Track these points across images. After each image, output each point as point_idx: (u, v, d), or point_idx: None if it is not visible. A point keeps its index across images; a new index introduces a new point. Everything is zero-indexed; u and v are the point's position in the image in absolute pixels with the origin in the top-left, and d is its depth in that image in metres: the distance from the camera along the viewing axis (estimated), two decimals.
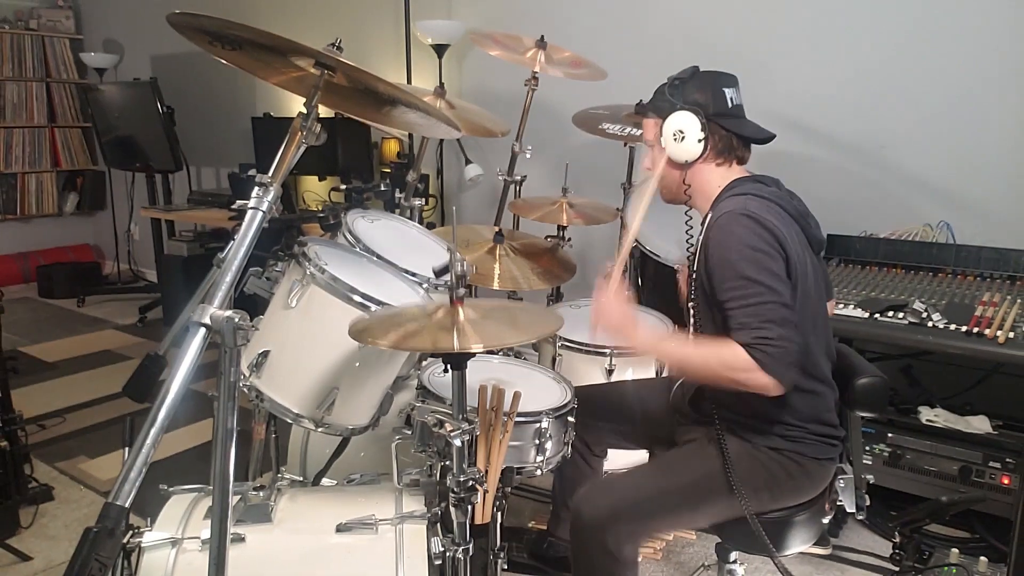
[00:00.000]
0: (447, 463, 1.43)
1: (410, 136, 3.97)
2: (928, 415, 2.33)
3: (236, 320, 1.07)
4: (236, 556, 1.35)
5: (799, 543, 1.57)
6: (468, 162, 3.76)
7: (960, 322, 2.02)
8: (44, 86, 5.57)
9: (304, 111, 1.27)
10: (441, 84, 3.03)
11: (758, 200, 1.49)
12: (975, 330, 1.97)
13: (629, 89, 2.75)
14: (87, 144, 5.84)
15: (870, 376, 1.57)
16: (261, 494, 1.50)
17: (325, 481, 1.92)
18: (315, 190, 4.46)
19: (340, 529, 1.45)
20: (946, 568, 2.01)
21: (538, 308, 1.58)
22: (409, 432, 1.62)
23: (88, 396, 3.43)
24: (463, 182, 3.86)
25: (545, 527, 2.18)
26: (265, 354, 1.56)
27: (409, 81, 3.89)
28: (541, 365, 2.00)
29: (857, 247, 2.61)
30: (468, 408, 1.41)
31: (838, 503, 1.62)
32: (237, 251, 1.15)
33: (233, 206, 1.26)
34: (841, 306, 2.17)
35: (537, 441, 1.62)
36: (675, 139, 1.56)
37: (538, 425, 1.61)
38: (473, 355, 1.37)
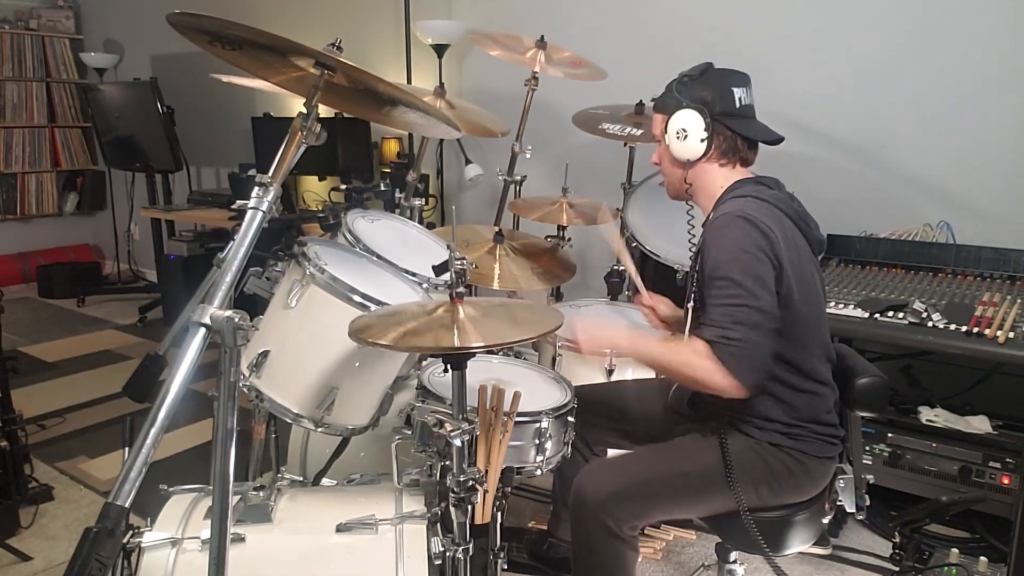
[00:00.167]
0: (447, 463, 1.44)
1: (410, 136, 3.98)
2: (928, 415, 2.33)
3: (236, 320, 1.07)
4: (236, 556, 1.35)
5: (799, 543, 1.57)
6: (468, 162, 3.76)
7: (960, 322, 2.02)
8: (44, 86, 5.57)
9: (304, 111, 1.27)
10: (441, 84, 3.03)
11: (758, 203, 1.49)
12: (975, 330, 1.97)
13: (629, 89, 2.76)
14: (87, 144, 5.84)
15: (870, 376, 1.57)
16: (261, 494, 1.50)
17: (325, 481, 1.92)
18: (315, 190, 4.46)
19: (340, 529, 1.45)
20: (946, 568, 2.01)
21: (538, 306, 1.58)
22: (409, 432, 1.62)
23: (88, 396, 3.43)
24: (463, 182, 3.86)
25: (545, 527, 2.18)
26: (265, 354, 1.56)
27: (409, 81, 3.89)
28: (541, 365, 2.00)
29: (857, 247, 2.61)
30: (468, 408, 1.41)
31: (838, 503, 1.62)
32: (237, 251, 1.15)
33: (233, 206, 1.26)
34: (841, 306, 2.17)
35: (537, 441, 1.62)
36: (678, 137, 1.55)
37: (538, 425, 1.61)
38: (473, 354, 1.37)
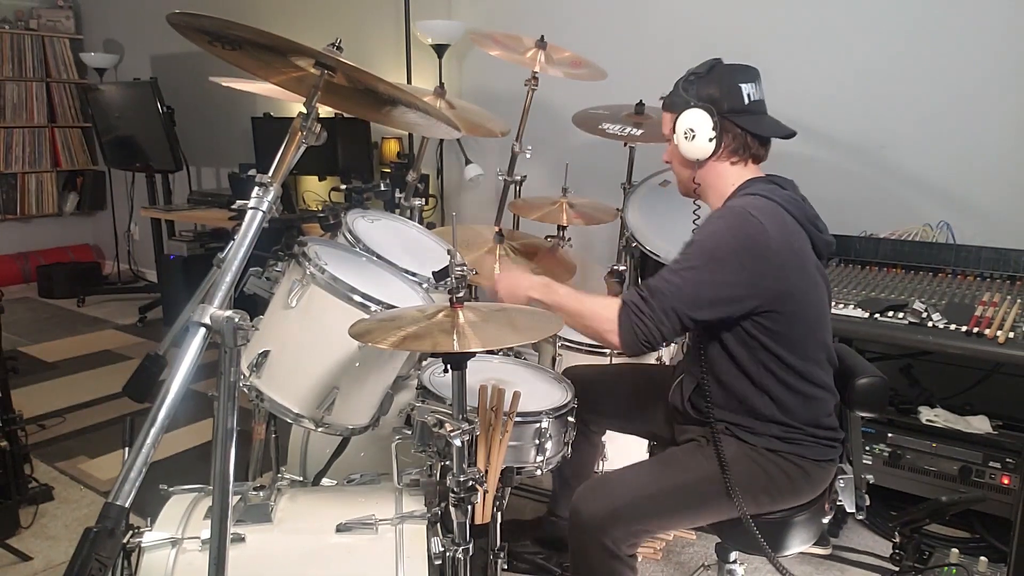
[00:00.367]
0: (447, 463, 1.43)
1: (410, 136, 3.98)
2: (928, 415, 2.33)
3: (236, 320, 1.07)
4: (236, 556, 1.35)
5: (799, 543, 1.57)
6: (468, 162, 3.76)
7: (960, 322, 2.02)
8: (44, 86, 5.57)
9: (304, 111, 1.27)
10: (441, 84, 3.03)
11: (765, 202, 1.48)
12: (975, 330, 1.97)
13: (629, 89, 2.75)
14: (87, 144, 5.84)
15: (870, 376, 1.57)
16: (261, 494, 1.50)
17: (325, 481, 1.92)
18: (315, 190, 4.46)
19: (340, 529, 1.45)
20: (946, 568, 2.02)
21: (537, 310, 1.58)
22: (409, 432, 1.62)
23: (88, 396, 3.43)
24: (463, 182, 3.86)
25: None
26: (265, 354, 1.56)
27: (409, 81, 3.89)
28: (541, 365, 2.00)
29: (857, 247, 2.61)
30: (468, 408, 1.41)
31: (838, 503, 1.62)
32: (237, 251, 1.15)
33: (233, 206, 1.26)
34: (841, 306, 2.17)
35: (537, 441, 1.62)
36: (686, 137, 1.54)
37: (538, 425, 1.61)
38: (473, 355, 1.37)
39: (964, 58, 2.57)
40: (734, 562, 1.75)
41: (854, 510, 1.63)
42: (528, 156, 2.93)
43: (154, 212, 4.70)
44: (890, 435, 2.31)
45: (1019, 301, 2.14)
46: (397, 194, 2.57)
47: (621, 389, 1.87)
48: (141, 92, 4.63)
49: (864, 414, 1.64)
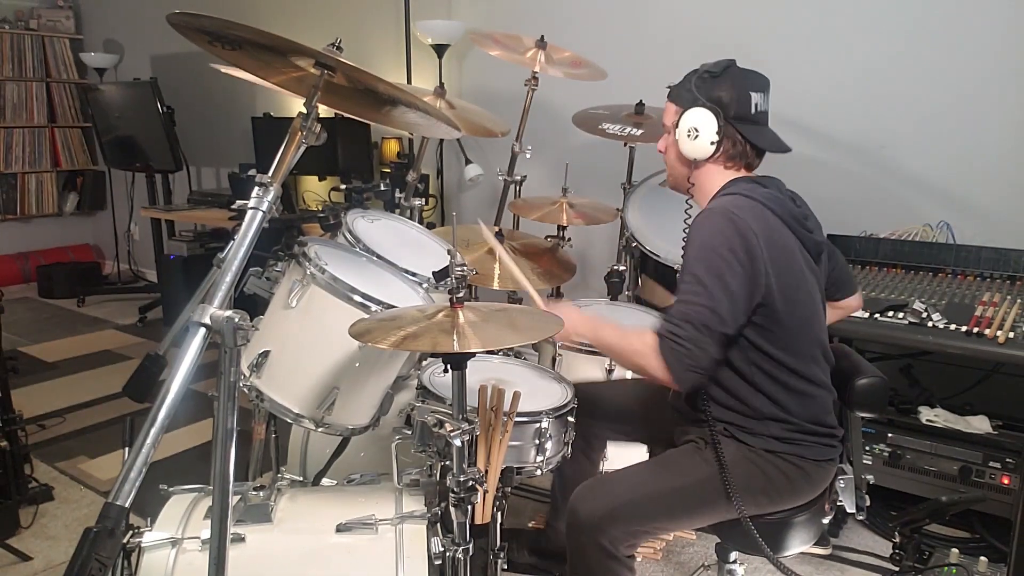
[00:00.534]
0: (447, 463, 1.43)
1: (410, 136, 3.97)
2: (928, 415, 2.33)
3: (236, 320, 1.07)
4: (236, 556, 1.35)
5: (799, 543, 1.57)
6: (468, 162, 3.76)
7: (960, 322, 2.02)
8: (44, 86, 5.57)
9: (304, 111, 1.27)
10: (441, 84, 3.03)
11: (745, 200, 1.48)
12: (975, 330, 1.97)
13: (629, 89, 2.76)
14: (87, 144, 5.84)
15: (870, 376, 1.56)
16: (261, 494, 1.50)
17: (325, 481, 1.92)
18: (315, 190, 4.46)
19: (340, 529, 1.45)
20: (946, 568, 2.02)
21: (537, 311, 1.58)
22: (409, 432, 1.62)
23: (88, 396, 3.43)
24: (463, 182, 3.86)
25: (543, 526, 2.18)
26: (265, 354, 1.56)
27: (409, 81, 3.89)
28: (541, 365, 2.00)
29: (857, 247, 2.61)
30: (468, 408, 1.41)
31: (838, 503, 1.62)
32: (237, 251, 1.15)
33: (233, 206, 1.26)
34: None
35: (537, 441, 1.62)
36: (689, 135, 1.53)
37: (538, 425, 1.61)
38: (473, 355, 1.37)
39: (964, 58, 2.57)
40: (734, 562, 1.75)
41: (854, 510, 1.63)
42: (528, 156, 2.94)
43: (154, 212, 4.70)
44: (890, 435, 2.31)
45: (1019, 301, 2.14)
46: (397, 194, 2.57)
47: (620, 399, 1.87)
48: (141, 92, 4.63)
49: (864, 414, 1.64)
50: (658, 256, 2.45)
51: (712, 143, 1.52)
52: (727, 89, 1.51)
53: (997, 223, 2.56)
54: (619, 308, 2.47)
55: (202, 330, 1.07)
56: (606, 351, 1.60)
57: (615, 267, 2.62)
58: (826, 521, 1.61)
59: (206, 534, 1.39)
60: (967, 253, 2.46)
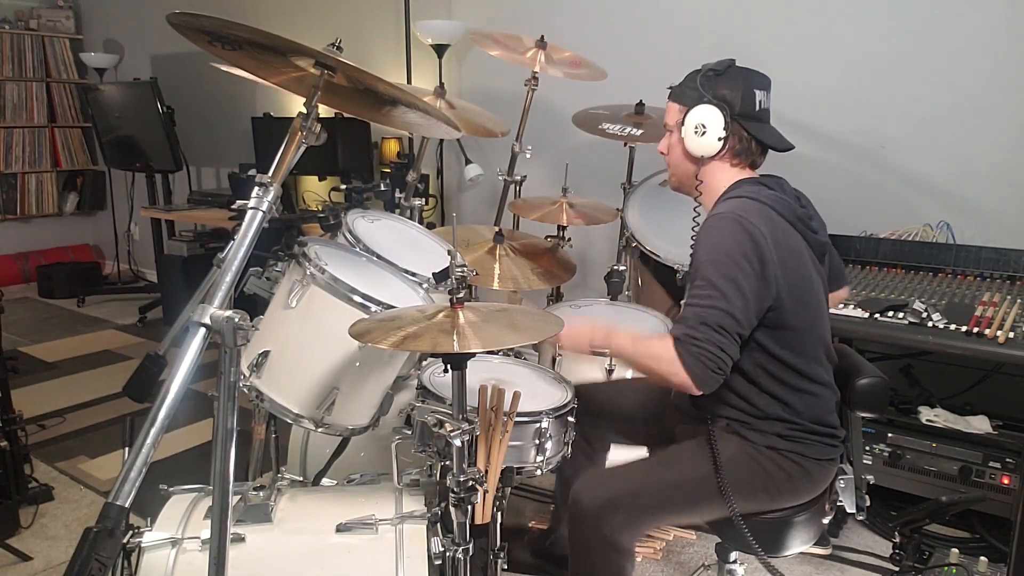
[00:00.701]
0: (447, 463, 1.43)
1: (410, 136, 3.97)
2: (928, 415, 2.33)
3: (236, 320, 1.07)
4: (236, 556, 1.35)
5: (799, 543, 1.57)
6: (468, 162, 3.76)
7: (960, 322, 2.02)
8: (44, 86, 5.57)
9: (304, 111, 1.27)
10: (441, 84, 3.04)
11: (751, 203, 1.49)
12: (975, 330, 1.97)
13: (629, 89, 2.76)
14: (87, 144, 5.84)
15: (870, 376, 1.57)
16: (261, 494, 1.50)
17: (325, 481, 1.92)
18: (315, 190, 4.46)
19: (340, 529, 1.45)
20: (946, 568, 2.02)
21: (538, 311, 1.58)
22: (409, 432, 1.62)
23: (88, 396, 3.43)
24: (463, 182, 3.86)
25: (545, 527, 2.18)
26: (265, 354, 1.56)
27: (409, 81, 3.89)
28: (541, 365, 2.00)
29: (857, 247, 2.61)
30: (468, 408, 1.41)
31: (838, 503, 1.62)
32: (237, 251, 1.15)
33: (233, 206, 1.26)
34: (841, 306, 2.17)
35: (537, 441, 1.62)
36: (696, 132, 1.54)
37: (538, 425, 1.61)
38: (473, 355, 1.37)
39: (964, 58, 2.57)
40: (734, 562, 1.75)
41: (854, 510, 1.63)
42: (528, 156, 2.94)
43: (154, 212, 4.70)
44: (890, 435, 2.31)
45: (1019, 301, 2.14)
46: (397, 194, 2.57)
47: (622, 402, 1.87)
48: (141, 92, 4.63)
49: (864, 414, 1.64)
50: (658, 256, 2.45)
51: (720, 139, 1.53)
52: (732, 86, 1.52)
53: (997, 223, 2.56)
54: (619, 308, 2.47)
55: (202, 330, 1.07)
56: (622, 358, 1.60)
57: (615, 267, 2.62)
58: (826, 521, 1.61)
59: (206, 534, 1.39)
60: (967, 253, 2.46)
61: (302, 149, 1.26)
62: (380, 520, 1.46)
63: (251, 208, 1.19)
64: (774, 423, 1.52)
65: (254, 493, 1.50)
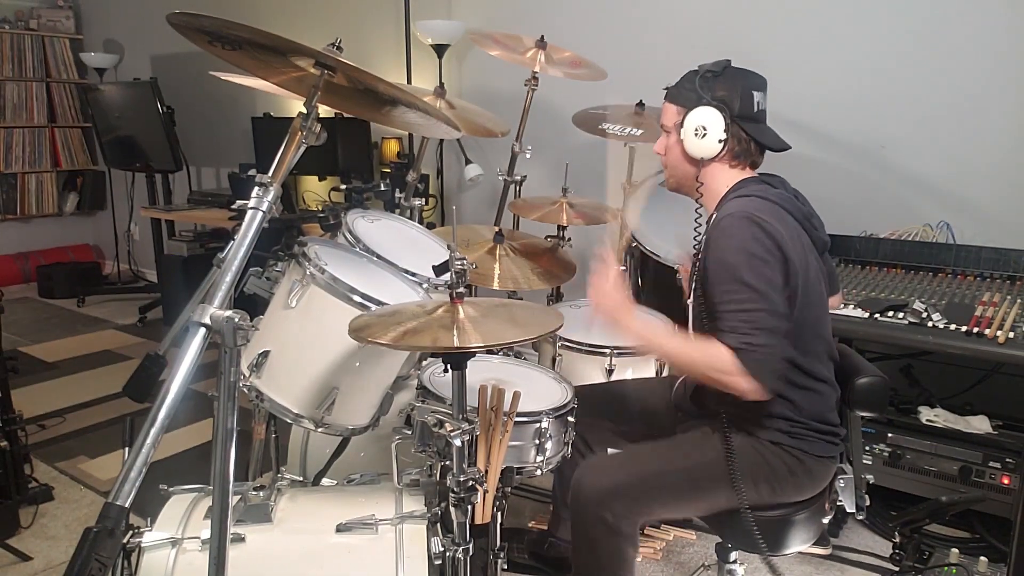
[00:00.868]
0: (447, 463, 1.43)
1: (410, 136, 3.98)
2: (928, 415, 2.33)
3: (236, 320, 1.07)
4: (236, 556, 1.35)
5: (799, 543, 1.57)
6: (468, 162, 3.76)
7: (960, 322, 2.02)
8: (44, 86, 5.57)
9: (304, 111, 1.27)
10: (441, 84, 3.03)
11: (762, 202, 1.49)
12: (975, 330, 1.97)
13: (629, 89, 2.75)
14: (87, 144, 5.84)
15: (871, 376, 1.57)
16: (261, 494, 1.50)
17: (325, 481, 1.92)
18: (315, 190, 4.46)
19: (340, 529, 1.45)
20: (946, 568, 2.02)
21: (538, 306, 1.58)
22: (409, 432, 1.62)
23: (88, 396, 3.43)
24: (463, 182, 3.86)
25: (545, 527, 2.18)
26: (265, 354, 1.56)
27: (409, 81, 3.89)
28: (541, 365, 2.00)
29: (857, 247, 2.61)
30: (468, 408, 1.41)
31: (838, 503, 1.62)
32: (237, 251, 1.15)
33: (233, 206, 1.26)
34: (841, 306, 2.17)
35: (537, 441, 1.62)
36: (696, 134, 1.54)
37: (538, 425, 1.61)
38: (473, 354, 1.37)
39: (964, 58, 2.57)
40: (734, 562, 1.75)
41: (854, 510, 1.64)
42: (528, 156, 2.93)
43: (154, 212, 4.70)
44: (890, 435, 2.31)
45: (1019, 301, 2.14)
46: (397, 194, 2.57)
47: (622, 405, 1.87)
48: (141, 92, 4.63)
49: (864, 414, 1.64)
50: (658, 256, 2.45)
51: (720, 141, 1.53)
52: (730, 88, 1.53)
53: (997, 223, 2.56)
54: None
55: (202, 330, 1.07)
56: (672, 362, 1.57)
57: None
58: (826, 521, 1.61)
59: (206, 534, 1.39)
60: (967, 253, 2.46)
61: (302, 149, 1.26)
62: (380, 520, 1.46)
63: (251, 208, 1.19)
64: (777, 420, 1.53)
65: (254, 493, 1.49)
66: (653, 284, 2.57)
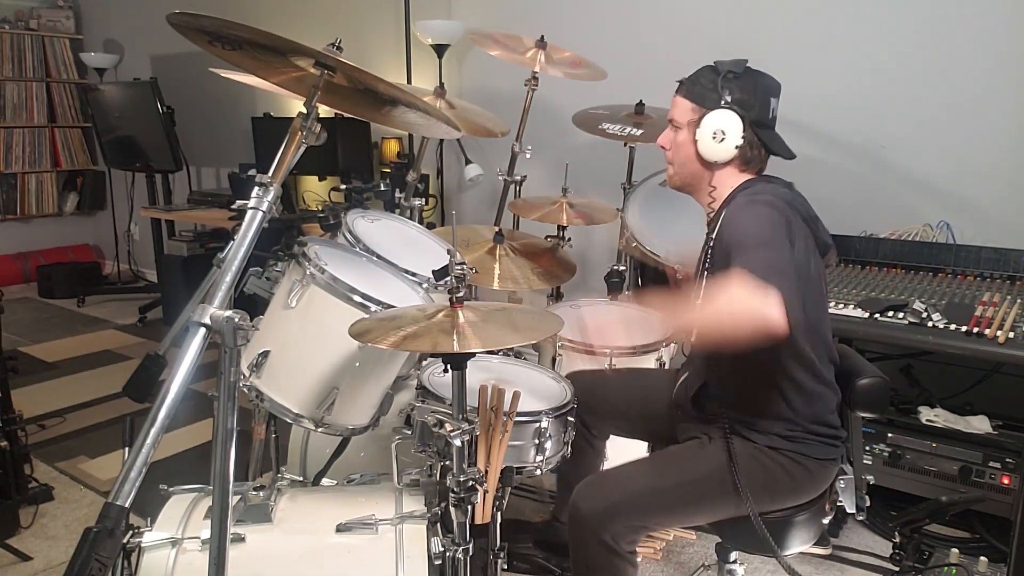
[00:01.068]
0: (447, 463, 1.43)
1: (410, 136, 3.98)
2: (928, 415, 2.33)
3: (236, 320, 1.07)
4: (236, 556, 1.35)
5: (799, 543, 1.57)
6: (468, 162, 3.76)
7: (960, 322, 2.02)
8: (44, 86, 5.57)
9: (304, 111, 1.27)
10: (441, 84, 3.04)
11: (773, 197, 1.49)
12: (975, 330, 1.97)
13: (629, 89, 2.76)
14: (87, 144, 5.84)
15: (871, 376, 1.57)
16: (261, 494, 1.50)
17: (325, 481, 1.92)
18: (315, 190, 4.46)
19: (340, 529, 1.45)
20: (946, 568, 2.02)
21: (538, 310, 1.58)
22: (409, 432, 1.62)
23: (88, 396, 3.43)
24: (463, 182, 3.86)
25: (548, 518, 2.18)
26: (265, 354, 1.56)
27: (409, 81, 3.89)
28: (541, 365, 2.00)
29: (857, 247, 2.61)
30: (468, 408, 1.41)
31: (838, 503, 1.62)
32: (237, 251, 1.15)
33: (233, 206, 1.26)
34: (841, 306, 2.17)
35: (537, 441, 1.62)
36: (714, 138, 1.51)
37: (538, 425, 1.61)
38: (473, 355, 1.37)
39: (964, 58, 2.57)
40: (734, 562, 1.75)
41: (854, 510, 1.63)
42: (528, 156, 2.93)
43: (154, 212, 4.70)
44: (890, 435, 2.31)
45: (1019, 301, 2.14)
46: (397, 194, 2.57)
47: (622, 393, 1.87)
48: (141, 92, 4.63)
49: (865, 414, 1.64)
50: (658, 256, 2.45)
51: (737, 147, 1.51)
52: (751, 92, 1.50)
53: (997, 223, 2.56)
54: (619, 308, 2.47)
55: (202, 330, 1.07)
56: (704, 327, 1.46)
57: (615, 267, 2.62)
58: (826, 521, 1.61)
59: (206, 534, 1.39)
60: (967, 253, 2.46)
61: (302, 149, 1.26)
62: (380, 520, 1.46)
63: (251, 208, 1.19)
64: (776, 423, 1.52)
65: (254, 493, 1.50)
66: (652, 284, 2.56)
